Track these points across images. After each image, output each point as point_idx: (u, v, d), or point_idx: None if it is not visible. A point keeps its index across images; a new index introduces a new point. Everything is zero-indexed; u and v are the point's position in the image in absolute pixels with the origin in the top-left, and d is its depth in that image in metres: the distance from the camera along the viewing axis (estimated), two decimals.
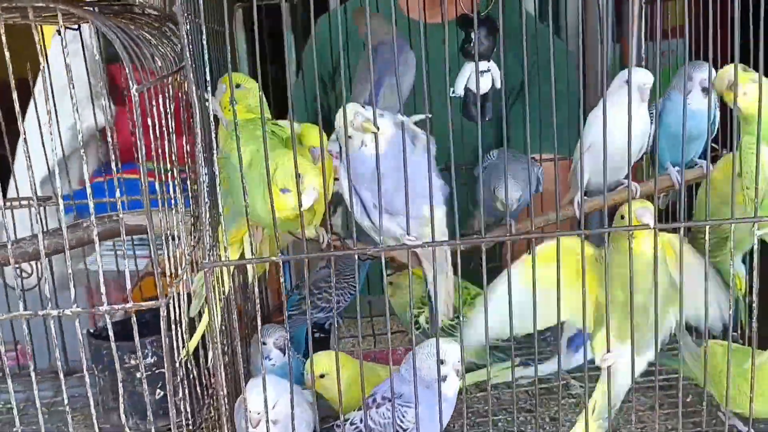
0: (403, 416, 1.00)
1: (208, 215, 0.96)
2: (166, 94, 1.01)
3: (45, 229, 1.24)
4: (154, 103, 0.97)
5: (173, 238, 1.04)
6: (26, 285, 1.35)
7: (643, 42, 1.45)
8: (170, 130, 1.03)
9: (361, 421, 1.04)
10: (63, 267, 1.51)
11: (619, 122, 0.95)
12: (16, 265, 1.12)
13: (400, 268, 1.36)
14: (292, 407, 0.96)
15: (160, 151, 0.99)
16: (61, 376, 0.95)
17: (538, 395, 1.08)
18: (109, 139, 0.90)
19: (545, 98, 1.05)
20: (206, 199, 0.96)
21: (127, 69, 0.87)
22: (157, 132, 0.97)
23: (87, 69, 1.38)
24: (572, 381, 1.33)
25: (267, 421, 0.96)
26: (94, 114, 1.55)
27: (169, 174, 1.03)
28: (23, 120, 0.93)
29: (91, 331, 1.29)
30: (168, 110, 1.01)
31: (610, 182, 1.00)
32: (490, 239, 0.99)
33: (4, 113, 1.32)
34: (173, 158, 1.04)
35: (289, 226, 1.02)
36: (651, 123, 1.23)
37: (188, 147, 1.10)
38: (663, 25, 1.27)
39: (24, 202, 1.40)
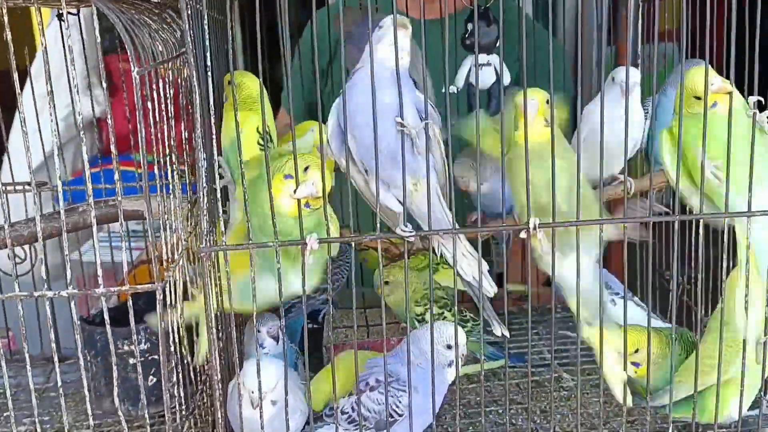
0: (399, 402, 1.00)
1: (205, 200, 0.96)
2: (167, 80, 1.02)
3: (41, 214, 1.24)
4: (153, 87, 0.97)
5: (169, 224, 1.04)
6: (19, 271, 1.34)
7: (639, 44, 1.46)
8: (169, 115, 1.03)
9: (353, 409, 1.03)
10: (56, 257, 1.51)
11: (609, 118, 0.96)
12: (11, 249, 1.11)
13: (394, 259, 1.37)
14: (286, 392, 0.97)
15: (159, 135, 0.99)
16: (56, 359, 0.95)
17: (530, 388, 1.08)
18: (109, 122, 0.90)
19: None
20: (204, 185, 0.96)
21: (128, 52, 0.88)
22: (156, 117, 0.98)
23: (85, 57, 1.39)
24: (564, 374, 1.34)
25: (260, 398, 0.96)
26: (92, 103, 1.54)
27: (167, 160, 1.03)
28: (20, 106, 0.93)
29: (84, 317, 1.29)
30: (168, 96, 1.01)
31: (603, 176, 1.01)
32: (487, 229, 1.00)
33: None
34: (171, 144, 1.04)
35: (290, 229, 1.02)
36: (645, 119, 1.24)
37: (186, 133, 1.10)
38: (659, 27, 1.28)
39: (19, 187, 1.39)
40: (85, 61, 1.42)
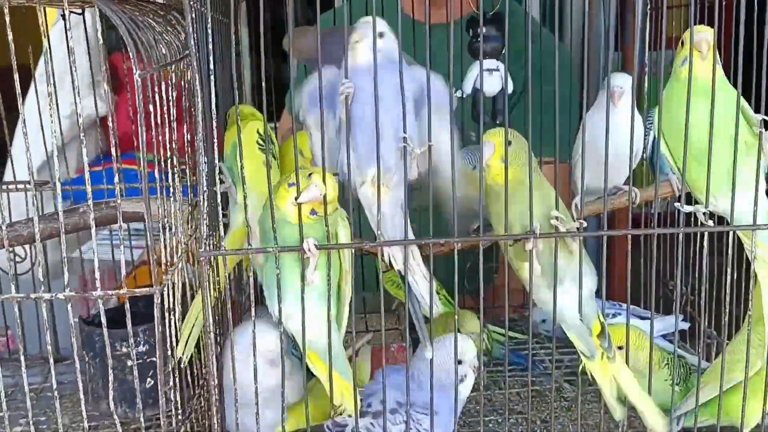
0: (420, 426, 0.96)
1: (206, 204, 0.96)
2: (169, 82, 1.01)
3: (41, 214, 1.24)
4: (156, 90, 0.97)
5: (170, 227, 1.03)
6: (19, 269, 1.34)
7: (646, 50, 1.45)
8: (171, 118, 1.02)
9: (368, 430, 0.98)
10: (56, 255, 1.51)
11: (601, 127, 0.95)
12: (10, 249, 1.11)
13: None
14: (283, 375, 0.97)
15: (160, 138, 0.99)
16: (51, 361, 0.94)
17: (531, 397, 1.07)
18: (111, 125, 0.90)
19: (546, 101, 1.05)
20: (205, 188, 0.96)
21: (131, 54, 0.87)
22: (159, 119, 0.97)
23: (89, 56, 1.39)
24: (565, 384, 1.33)
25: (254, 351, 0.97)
26: (95, 102, 1.54)
27: (169, 162, 1.02)
28: (23, 104, 0.93)
29: (83, 317, 1.29)
30: (170, 98, 1.01)
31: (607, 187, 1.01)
32: (489, 239, 0.99)
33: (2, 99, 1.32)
34: (173, 146, 1.04)
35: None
36: (649, 129, 1.23)
37: (188, 136, 1.10)
38: (667, 34, 1.27)
39: (20, 186, 1.39)
40: (90, 59, 1.42)
